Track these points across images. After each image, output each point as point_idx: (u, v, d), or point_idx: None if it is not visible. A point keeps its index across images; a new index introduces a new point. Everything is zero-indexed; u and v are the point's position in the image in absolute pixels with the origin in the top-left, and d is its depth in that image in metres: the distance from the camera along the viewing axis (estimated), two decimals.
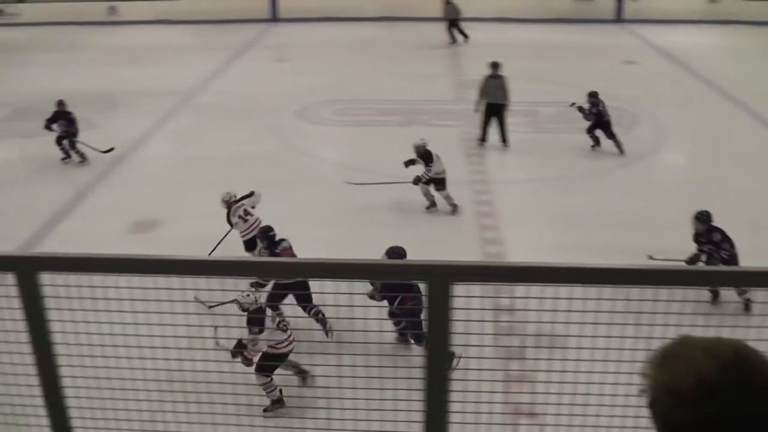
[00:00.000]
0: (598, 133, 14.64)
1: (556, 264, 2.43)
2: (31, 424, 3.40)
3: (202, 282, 2.80)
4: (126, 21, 31.78)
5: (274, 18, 31.23)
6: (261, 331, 7.24)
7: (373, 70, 22.19)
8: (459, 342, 2.55)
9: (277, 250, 8.95)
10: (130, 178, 14.08)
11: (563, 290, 2.51)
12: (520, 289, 2.66)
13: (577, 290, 2.52)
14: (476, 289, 2.51)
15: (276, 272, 2.71)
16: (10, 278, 2.75)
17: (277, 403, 7.47)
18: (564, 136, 15.51)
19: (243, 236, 10.33)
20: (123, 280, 2.71)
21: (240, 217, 10.29)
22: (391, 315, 7.87)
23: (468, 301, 2.53)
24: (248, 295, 7.30)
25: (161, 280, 2.75)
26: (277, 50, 25.56)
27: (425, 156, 11.86)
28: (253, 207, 10.50)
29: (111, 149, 14.74)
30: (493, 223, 11.83)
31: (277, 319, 7.48)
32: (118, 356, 3.50)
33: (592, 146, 14.80)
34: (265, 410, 7.35)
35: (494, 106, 14.92)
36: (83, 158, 14.82)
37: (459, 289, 2.46)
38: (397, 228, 11.51)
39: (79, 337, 3.22)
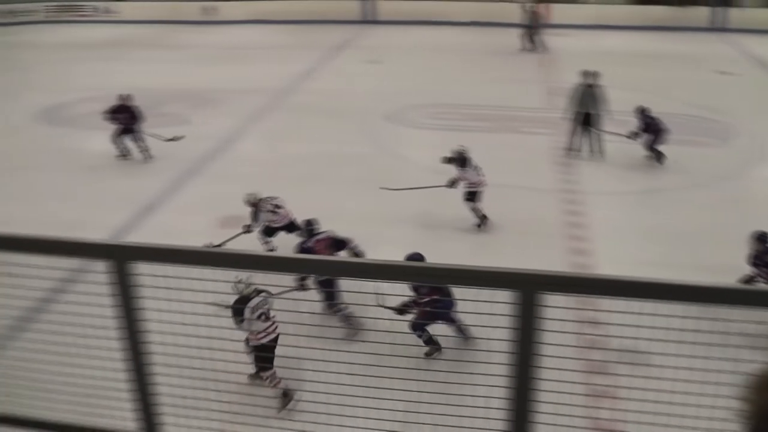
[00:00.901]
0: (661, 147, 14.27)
1: (642, 278, 2.40)
2: (115, 410, 3.51)
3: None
4: (221, 20, 32.50)
5: (369, 20, 31.47)
6: (242, 321, 7.35)
7: (465, 75, 22.17)
8: (543, 352, 2.54)
9: (308, 243, 9.26)
10: (221, 175, 14.36)
11: (648, 306, 2.48)
12: (605, 303, 2.64)
13: (663, 307, 2.49)
14: (562, 300, 2.51)
15: (368, 273, 2.74)
16: (102, 266, 2.88)
17: (286, 396, 7.44)
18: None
19: (274, 224, 11.08)
20: (209, 272, 2.79)
21: (270, 210, 11.03)
22: (414, 327, 8.07)
23: (554, 311, 2.53)
24: (247, 286, 7.43)
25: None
26: (370, 52, 25.74)
27: (461, 160, 11.69)
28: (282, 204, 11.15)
29: (176, 138, 15.02)
30: (580, 233, 11.65)
31: (258, 311, 7.47)
32: (201, 347, 3.60)
33: (659, 161, 14.36)
34: (279, 410, 7.30)
35: (586, 116, 14.71)
36: (147, 155, 15.01)
37: (546, 299, 2.46)
38: (481, 235, 11.51)
39: (169, 327, 3.34)
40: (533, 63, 24.02)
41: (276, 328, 7.57)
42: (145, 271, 2.89)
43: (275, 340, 7.56)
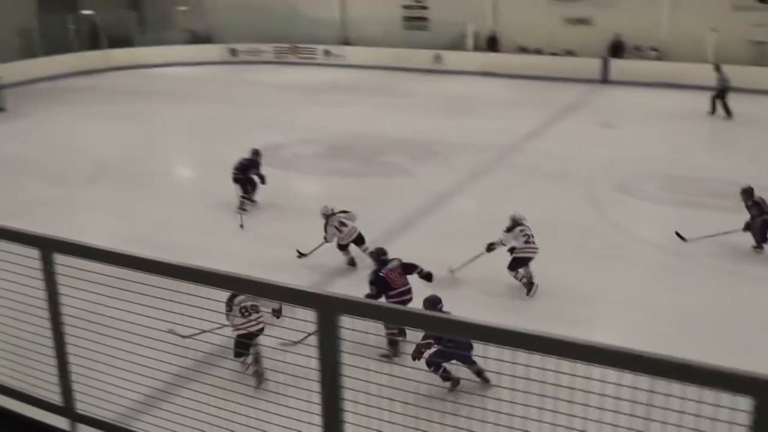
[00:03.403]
0: None
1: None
2: None
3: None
4: (450, 70, 33.29)
5: (605, 79, 31.19)
6: (230, 311, 8.87)
7: (707, 145, 21.40)
8: None
9: (381, 272, 10.21)
10: (437, 230, 14.57)
11: None
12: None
13: None
14: None
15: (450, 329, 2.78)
16: (308, 314, 3.11)
17: (260, 376, 8.58)
18: None
19: (339, 241, 12.73)
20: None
21: (335, 227, 12.62)
22: (429, 364, 8.45)
23: None
24: None
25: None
26: (603, 114, 25.45)
27: (511, 224, 12.04)
28: (348, 221, 12.74)
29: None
30: None
31: (240, 305, 8.87)
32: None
33: None
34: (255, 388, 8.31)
35: None
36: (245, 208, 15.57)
37: None
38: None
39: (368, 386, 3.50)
40: None
41: (259, 323, 8.95)
42: (348, 324, 3.06)
43: (257, 332, 8.90)
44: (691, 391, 2.51)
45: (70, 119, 25.90)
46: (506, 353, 2.82)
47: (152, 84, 32.83)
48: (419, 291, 10.01)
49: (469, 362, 8.53)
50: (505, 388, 3.29)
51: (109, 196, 16.85)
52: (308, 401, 3.46)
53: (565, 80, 30.92)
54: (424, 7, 36.18)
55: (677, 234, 13.70)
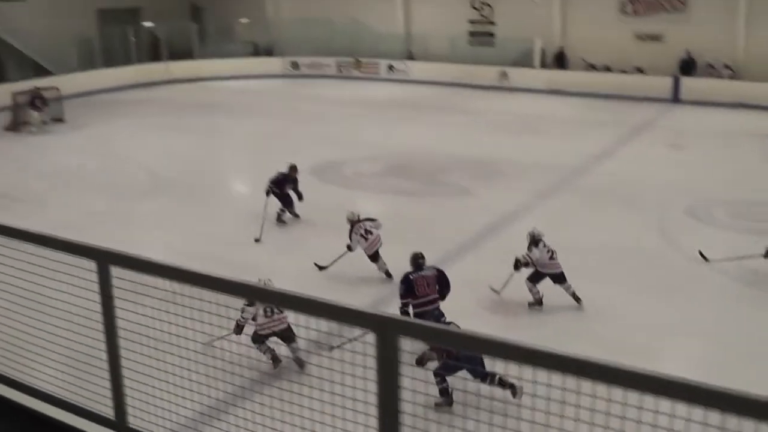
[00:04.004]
0: None
1: None
2: None
3: None
4: (516, 87, 33.18)
5: (675, 98, 30.79)
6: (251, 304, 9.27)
7: None
8: None
9: (411, 275, 10.52)
10: (498, 253, 14.42)
11: None
12: None
13: None
14: None
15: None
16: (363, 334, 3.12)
17: (276, 360, 9.82)
18: None
19: (367, 252, 13.03)
20: None
21: (361, 235, 12.94)
22: (436, 374, 8.68)
23: None
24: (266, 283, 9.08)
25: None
26: (673, 135, 25.18)
27: (531, 241, 12.23)
28: (374, 229, 13.11)
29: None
30: None
31: (263, 306, 9.62)
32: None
33: None
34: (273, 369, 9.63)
35: None
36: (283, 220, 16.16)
37: None
38: None
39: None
40: None
41: (282, 322, 9.79)
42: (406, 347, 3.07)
43: (280, 332, 9.79)
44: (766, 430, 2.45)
45: (129, 131, 26.45)
46: (567, 382, 2.79)
47: (212, 97, 33.34)
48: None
49: (480, 376, 8.55)
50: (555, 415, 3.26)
51: (166, 210, 17.11)
52: (366, 425, 3.45)
53: (635, 99, 30.59)
54: (491, 23, 36.13)
55: (700, 254, 13.81)
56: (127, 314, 4.23)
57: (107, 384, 4.36)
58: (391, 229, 14.86)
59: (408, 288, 10.46)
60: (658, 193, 18.32)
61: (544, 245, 12.18)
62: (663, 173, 20.13)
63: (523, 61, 34.56)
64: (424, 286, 10.47)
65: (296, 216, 16.26)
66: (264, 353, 9.81)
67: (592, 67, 33.38)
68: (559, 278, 12.09)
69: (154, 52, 37.89)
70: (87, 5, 36.20)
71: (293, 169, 16.25)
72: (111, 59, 35.94)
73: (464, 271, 13.26)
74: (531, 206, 17.42)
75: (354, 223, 13.15)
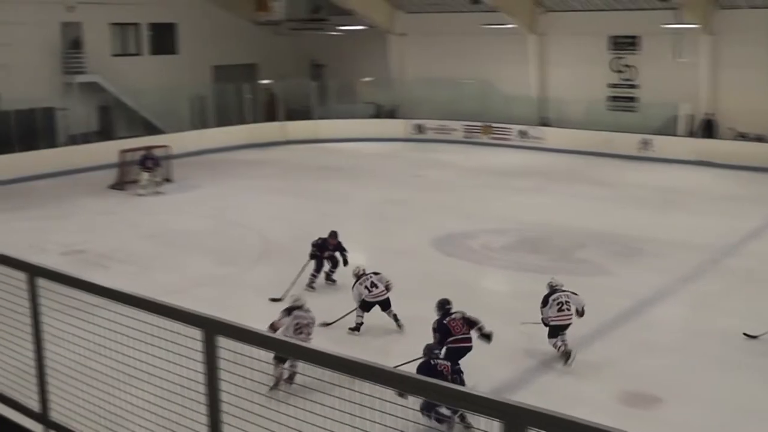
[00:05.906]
0: None
1: None
2: None
3: None
4: (659, 158, 32.66)
5: None
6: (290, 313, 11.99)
7: None
8: None
9: (444, 321, 11.97)
10: (635, 340, 14.17)
11: None
12: None
13: None
14: None
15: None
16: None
17: (291, 377, 10.88)
18: None
19: (366, 298, 14.25)
20: None
21: (366, 287, 14.25)
22: (424, 408, 8.77)
23: None
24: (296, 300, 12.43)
25: None
26: None
27: (544, 298, 13.19)
28: (380, 282, 14.35)
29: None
30: None
31: (296, 321, 11.96)
32: None
33: None
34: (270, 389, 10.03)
35: None
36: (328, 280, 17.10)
37: None
38: None
39: None
40: None
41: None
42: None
43: None
44: None
45: (240, 193, 27.20)
46: None
47: (330, 159, 33.84)
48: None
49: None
50: None
51: (276, 277, 17.29)
52: None
53: None
54: (634, 86, 35.71)
55: (745, 334, 13.95)
56: (229, 387, 4.30)
57: None
58: (518, 309, 14.81)
59: (444, 332, 11.84)
60: None
61: (555, 299, 13.14)
62: None
63: (667, 128, 34.03)
64: (458, 326, 11.92)
65: (333, 282, 17.13)
66: (281, 374, 10.80)
67: (743, 137, 32.54)
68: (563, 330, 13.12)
69: (269, 111, 38.83)
70: (202, 62, 37.76)
71: (331, 235, 17.15)
72: (224, 118, 37.20)
73: (595, 357, 13.20)
74: (674, 289, 17.09)
75: (359, 276, 14.50)
